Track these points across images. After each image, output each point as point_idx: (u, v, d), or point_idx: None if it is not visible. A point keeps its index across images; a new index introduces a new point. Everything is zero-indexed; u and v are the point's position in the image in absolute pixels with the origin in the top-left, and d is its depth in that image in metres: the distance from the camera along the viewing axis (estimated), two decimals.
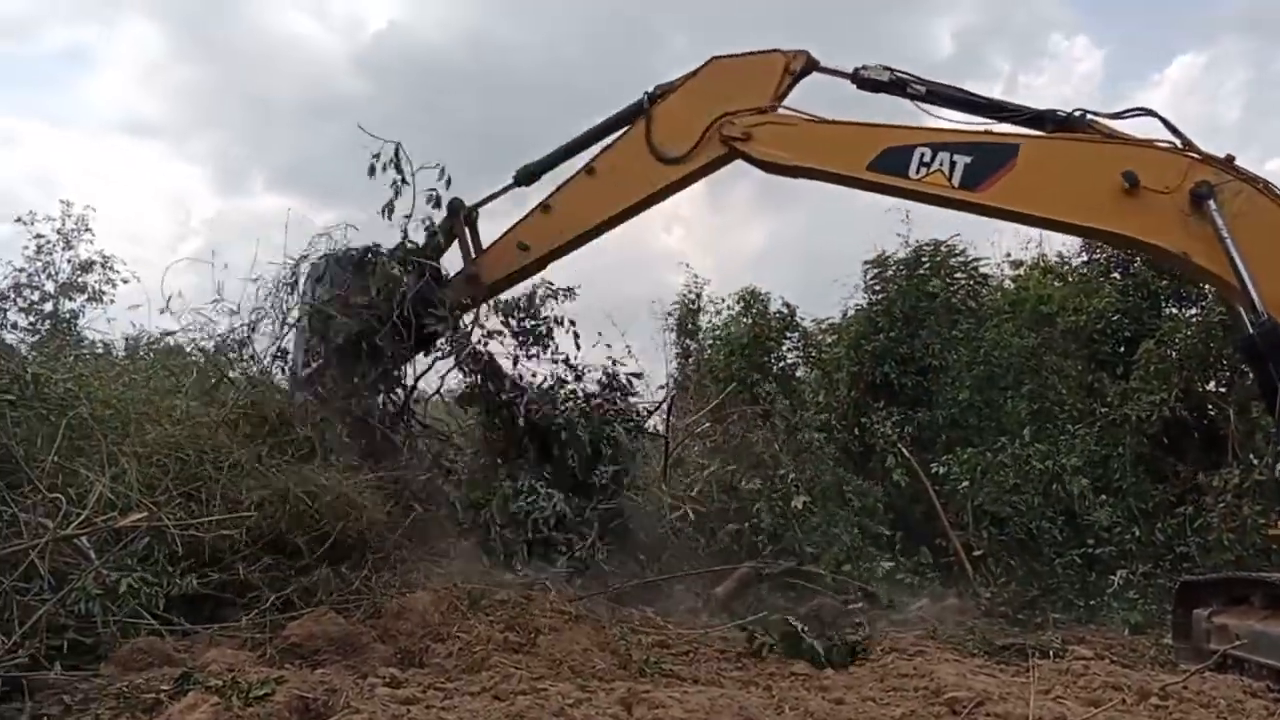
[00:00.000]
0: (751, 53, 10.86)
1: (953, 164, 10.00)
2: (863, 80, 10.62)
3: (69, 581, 7.19)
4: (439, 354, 11.90)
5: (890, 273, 17.55)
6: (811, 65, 10.80)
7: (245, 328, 11.54)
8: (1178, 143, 9.73)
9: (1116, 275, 17.16)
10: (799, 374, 19.21)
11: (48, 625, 6.94)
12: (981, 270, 18.22)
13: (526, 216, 11.49)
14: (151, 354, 12.74)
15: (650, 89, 11.02)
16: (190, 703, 5.87)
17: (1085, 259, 17.97)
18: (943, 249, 17.63)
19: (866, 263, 17.80)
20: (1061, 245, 18.77)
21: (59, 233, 20.92)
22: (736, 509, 12.89)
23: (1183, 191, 9.28)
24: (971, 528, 14.42)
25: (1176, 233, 9.44)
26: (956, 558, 14.14)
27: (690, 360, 20.82)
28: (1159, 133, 9.84)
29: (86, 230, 21.15)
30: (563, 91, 55.99)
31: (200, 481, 8.81)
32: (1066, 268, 18.49)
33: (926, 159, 10.08)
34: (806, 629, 9.32)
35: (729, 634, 10.12)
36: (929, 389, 16.50)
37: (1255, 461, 13.63)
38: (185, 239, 55.09)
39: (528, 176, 11.50)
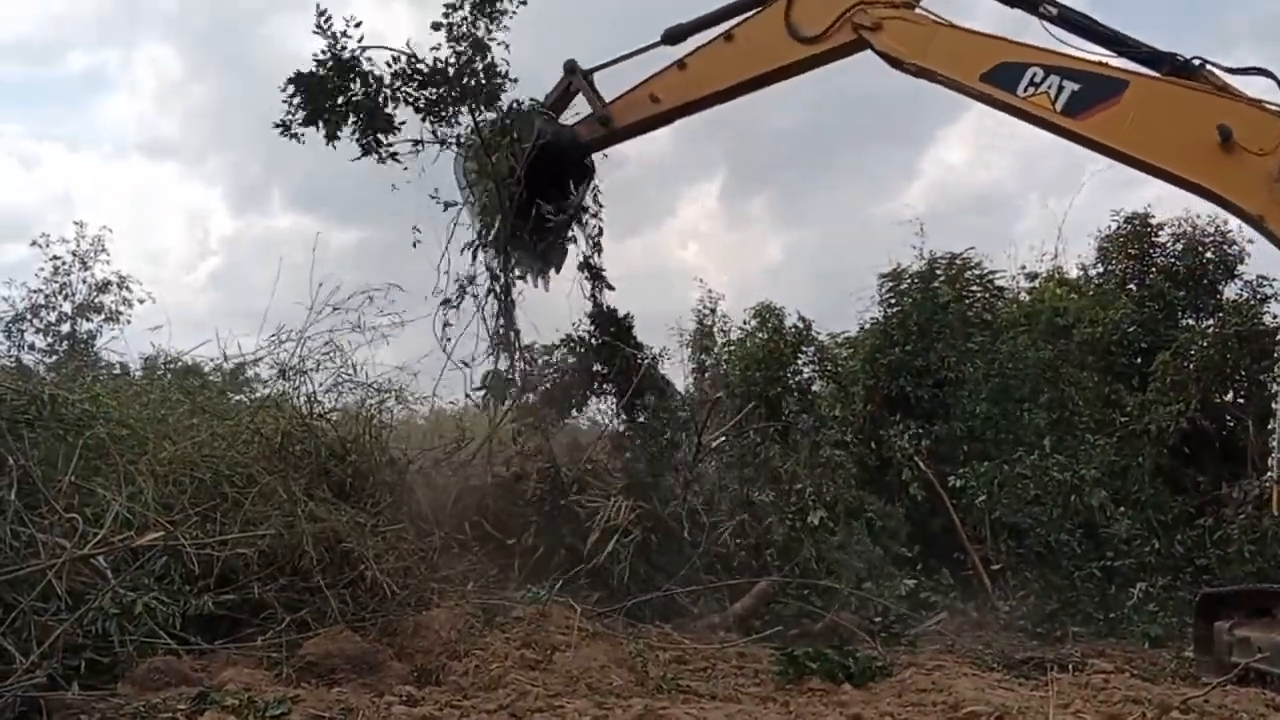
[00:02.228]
0: None
1: (1060, 88, 10.15)
2: None
3: (86, 601, 7.21)
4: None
5: (905, 285, 17.51)
6: None
7: (299, 360, 11.54)
8: None
9: (1132, 287, 17.10)
10: (815, 388, 19.15)
11: (65, 645, 6.96)
12: (997, 282, 18.17)
13: (661, 71, 12.49)
14: (170, 374, 12.78)
15: None
16: None
17: (1100, 270, 17.89)
18: (957, 261, 17.59)
19: (881, 276, 17.78)
20: (1078, 256, 18.75)
21: (74, 254, 21.03)
22: (752, 524, 12.80)
23: (1276, 156, 9.18)
24: (989, 541, 14.34)
25: (1259, 195, 9.34)
26: (975, 571, 14.06)
27: (706, 376, 20.77)
28: (1272, 95, 9.66)
29: (102, 251, 21.25)
30: (580, 108, 56.03)
31: (216, 501, 8.82)
32: (1082, 279, 18.43)
33: (1037, 79, 10.26)
34: (826, 645, 9.28)
35: (747, 649, 10.08)
36: (945, 402, 16.43)
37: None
38: (204, 258, 55.33)
39: (674, 36, 12.44)
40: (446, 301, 12.71)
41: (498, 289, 12.98)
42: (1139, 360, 16.33)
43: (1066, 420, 15.72)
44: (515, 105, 12.70)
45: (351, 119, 11.90)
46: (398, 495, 10.64)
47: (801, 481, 13.59)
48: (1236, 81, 9.98)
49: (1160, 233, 17.15)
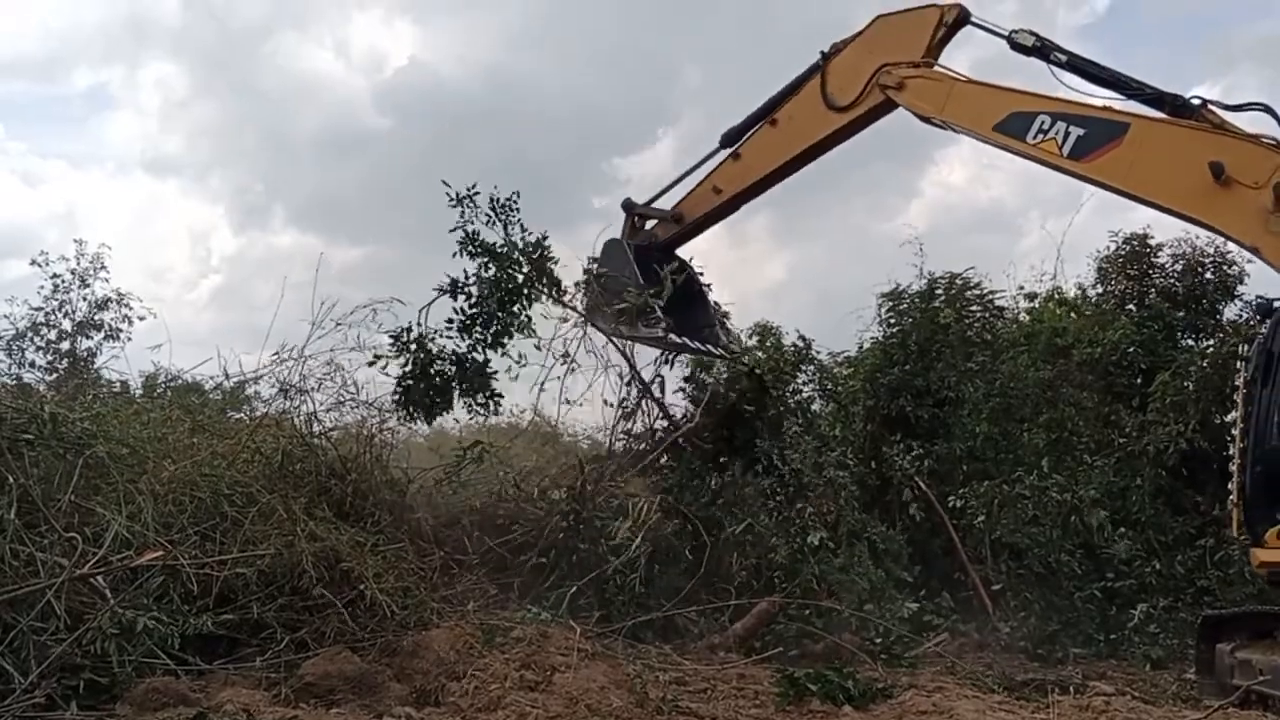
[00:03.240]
0: (910, 10, 12.24)
1: (1067, 134, 10.73)
2: (1014, 43, 11.57)
3: (85, 621, 7.21)
4: None
5: (905, 305, 17.49)
6: (964, 17, 11.96)
7: (301, 379, 11.57)
8: None
9: (1131, 307, 17.10)
10: (814, 407, 19.10)
11: (64, 665, 6.97)
12: (996, 302, 18.16)
13: (720, 164, 13.61)
14: (170, 392, 12.79)
15: (825, 49, 12.67)
16: None
17: (1100, 291, 17.90)
18: (957, 281, 17.58)
19: (881, 295, 17.75)
20: (1077, 276, 18.75)
21: (73, 272, 21.05)
22: (751, 543, 12.78)
23: (1269, 188, 9.41)
24: (990, 561, 14.30)
25: (1255, 228, 9.66)
26: (975, 592, 14.02)
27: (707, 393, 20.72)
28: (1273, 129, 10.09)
29: (102, 268, 21.26)
30: (579, 124, 56.37)
31: (216, 520, 8.82)
32: (1081, 300, 18.43)
33: (1045, 126, 10.86)
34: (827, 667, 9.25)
35: (747, 671, 10.05)
36: (946, 422, 16.39)
37: None
38: (206, 276, 55.46)
39: (728, 140, 13.48)
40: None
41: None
42: (1138, 381, 16.29)
43: (1065, 440, 15.69)
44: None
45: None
46: (397, 514, 10.63)
47: (802, 502, 13.57)
48: (1238, 117, 10.45)
49: (1159, 253, 17.15)
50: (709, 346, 13.96)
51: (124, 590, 7.61)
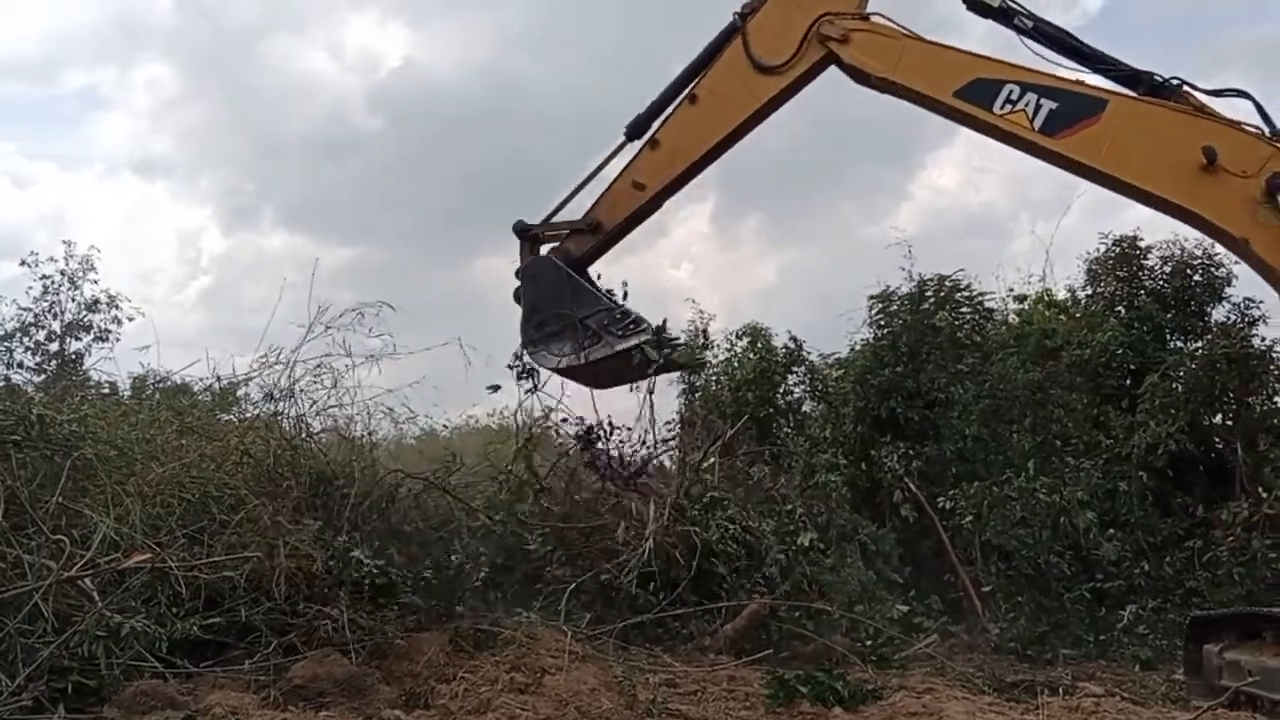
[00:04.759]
0: None
1: (1038, 106, 9.96)
2: (973, 1, 10.61)
3: (73, 623, 7.18)
4: None
5: (895, 307, 17.53)
6: None
7: (288, 379, 11.45)
8: (1266, 130, 9.60)
9: (1120, 309, 17.15)
10: (805, 408, 19.15)
11: (51, 667, 6.93)
12: (986, 304, 18.20)
13: (636, 156, 11.75)
14: (159, 394, 12.74)
15: (738, 8, 11.18)
16: None
17: (1089, 293, 17.96)
18: (947, 283, 17.62)
19: (871, 297, 17.77)
20: (1066, 278, 18.80)
21: (63, 273, 21.02)
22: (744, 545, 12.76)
23: (1259, 179, 9.18)
24: (979, 562, 14.34)
25: (1244, 219, 9.37)
26: (965, 593, 14.05)
27: (697, 395, 20.77)
28: (1250, 117, 9.74)
29: (91, 270, 21.24)
30: (578, 125, 56.29)
31: (204, 522, 8.79)
32: (1071, 302, 18.48)
33: (1013, 96, 10.05)
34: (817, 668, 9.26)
35: (738, 673, 10.05)
36: (935, 423, 16.42)
37: (1264, 495, 13.59)
38: (196, 277, 55.39)
39: (636, 129, 11.75)
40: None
41: None
42: (1127, 382, 16.35)
43: (1053, 442, 15.72)
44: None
45: None
46: (387, 517, 10.60)
47: (793, 503, 13.58)
48: (1216, 103, 9.99)
49: (1148, 255, 17.19)
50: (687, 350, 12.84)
51: (112, 593, 7.59)
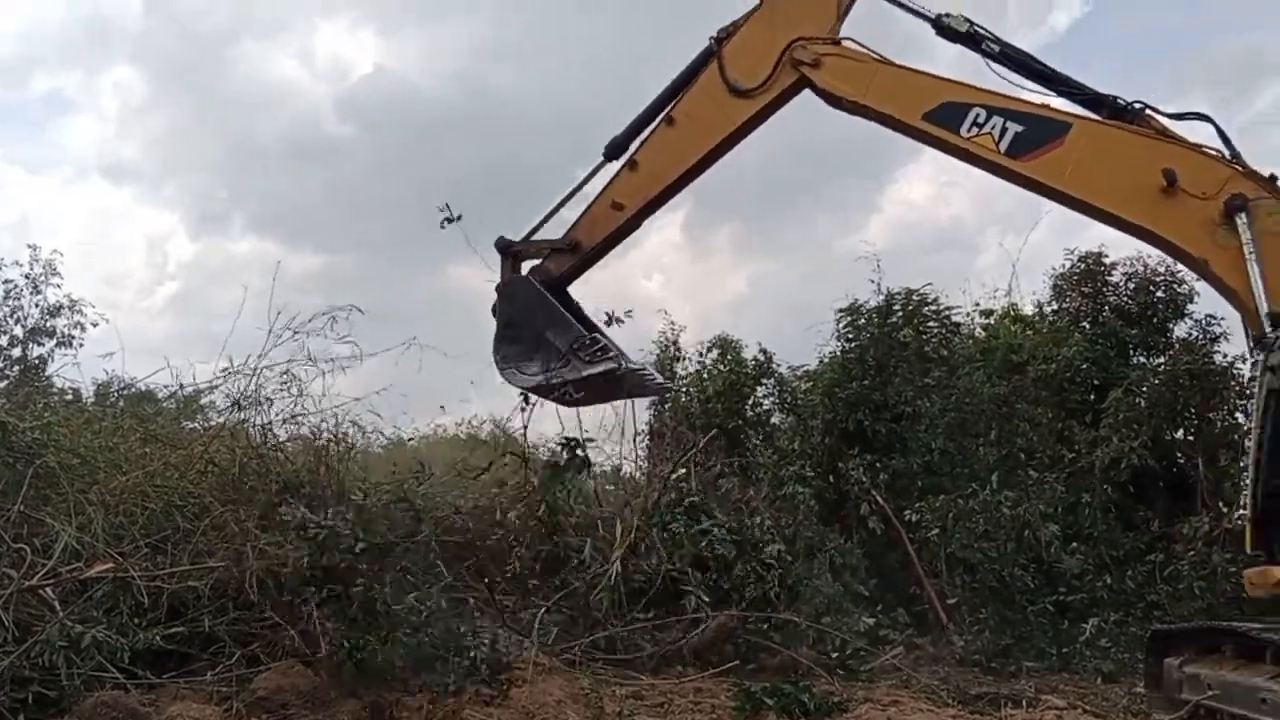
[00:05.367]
0: None
1: (1004, 129, 10.16)
2: (942, 27, 10.80)
3: (34, 633, 7.10)
4: None
5: (863, 320, 17.63)
6: None
7: (254, 386, 11.32)
8: (1226, 153, 9.80)
9: (1085, 325, 17.34)
10: (774, 420, 19.20)
11: (12, 677, 6.86)
12: (953, 319, 18.34)
13: (615, 177, 11.83)
14: (123, 401, 12.61)
15: (715, 33, 11.37)
16: None
17: (1055, 308, 18.14)
18: (914, 297, 17.74)
19: (839, 311, 17.86)
20: (1033, 294, 18.98)
21: (27, 277, 20.76)
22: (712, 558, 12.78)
23: (1218, 200, 9.36)
24: (945, 575, 14.42)
25: (1203, 240, 9.53)
26: (930, 606, 14.12)
27: (667, 407, 20.79)
28: (1212, 140, 9.93)
29: (54, 274, 20.98)
30: (557, 131, 56.28)
31: (168, 532, 8.71)
32: (1038, 317, 18.66)
33: (980, 119, 10.25)
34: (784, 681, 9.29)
35: (704, 684, 10.05)
36: (902, 436, 16.51)
37: (1225, 509, 13.75)
38: (162, 283, 54.85)
39: (614, 150, 11.84)
40: None
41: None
42: (1091, 397, 16.52)
43: (1018, 456, 15.84)
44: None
45: None
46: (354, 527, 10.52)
47: (761, 514, 13.60)
48: (1178, 126, 10.20)
49: (1113, 272, 17.41)
50: (654, 378, 12.74)
51: (73, 602, 7.52)
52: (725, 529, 12.49)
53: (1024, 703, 9.95)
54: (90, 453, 9.35)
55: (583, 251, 12.01)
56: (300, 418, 11.33)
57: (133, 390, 12.80)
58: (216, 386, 11.65)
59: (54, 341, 20.85)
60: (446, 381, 12.45)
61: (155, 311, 48.64)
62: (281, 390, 11.24)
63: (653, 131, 11.72)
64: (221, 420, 11.24)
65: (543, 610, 10.95)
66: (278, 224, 56.99)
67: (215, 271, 52.98)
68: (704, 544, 12.22)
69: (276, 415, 11.25)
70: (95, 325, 20.86)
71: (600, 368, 11.31)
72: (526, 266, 12.06)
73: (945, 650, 13.20)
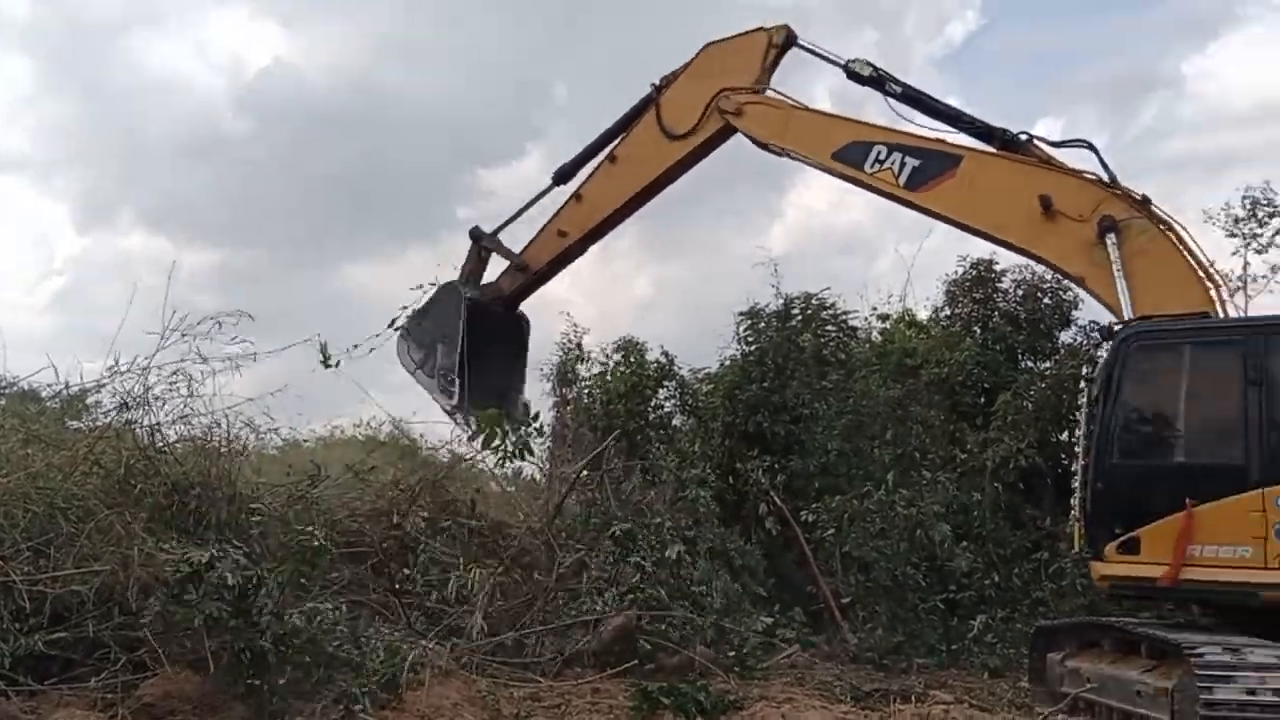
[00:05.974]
0: (739, 34, 12.41)
1: (903, 164, 11.09)
2: (850, 72, 11.71)
3: None
4: None
5: (763, 324, 17.82)
6: (792, 38, 12.18)
7: (145, 389, 10.96)
8: (1105, 176, 10.42)
9: (977, 330, 17.81)
10: (675, 422, 19.29)
11: None
12: (851, 323, 18.65)
13: (562, 207, 13.38)
14: (3, 399, 12.18)
15: (656, 80, 12.72)
16: None
17: (947, 313, 18.58)
18: (813, 302, 17.99)
19: (740, 314, 18.04)
20: (926, 298, 19.41)
21: None
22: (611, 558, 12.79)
23: (1092, 221, 9.98)
24: (840, 574, 14.66)
25: (1080, 258, 10.22)
26: (826, 605, 14.34)
27: (569, 408, 20.75)
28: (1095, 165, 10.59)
29: None
30: (446, 134, 55.84)
31: (51, 535, 8.44)
32: (933, 322, 19.08)
33: (882, 156, 11.19)
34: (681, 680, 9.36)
35: (602, 685, 10.08)
36: (800, 438, 16.73)
37: None
38: (48, 278, 52.97)
39: (562, 176, 13.39)
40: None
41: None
42: (982, 400, 16.97)
43: (912, 456, 16.18)
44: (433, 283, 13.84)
45: None
46: (245, 530, 10.30)
47: (661, 516, 13.64)
48: (1061, 153, 10.99)
49: (1003, 279, 17.91)
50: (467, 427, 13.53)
51: None
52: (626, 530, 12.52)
53: (913, 698, 10.18)
54: None
55: (530, 272, 13.59)
56: (191, 418, 11.03)
57: (14, 389, 12.40)
58: (103, 385, 11.31)
59: None
60: (343, 381, 12.29)
61: (40, 307, 47.02)
62: (171, 390, 10.94)
63: (597, 167, 13.16)
64: (108, 420, 10.88)
65: (448, 613, 10.88)
66: (170, 219, 55.54)
67: (104, 267, 51.47)
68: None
69: (166, 416, 10.96)
70: None
71: (440, 399, 13.33)
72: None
73: (839, 648, 13.43)
